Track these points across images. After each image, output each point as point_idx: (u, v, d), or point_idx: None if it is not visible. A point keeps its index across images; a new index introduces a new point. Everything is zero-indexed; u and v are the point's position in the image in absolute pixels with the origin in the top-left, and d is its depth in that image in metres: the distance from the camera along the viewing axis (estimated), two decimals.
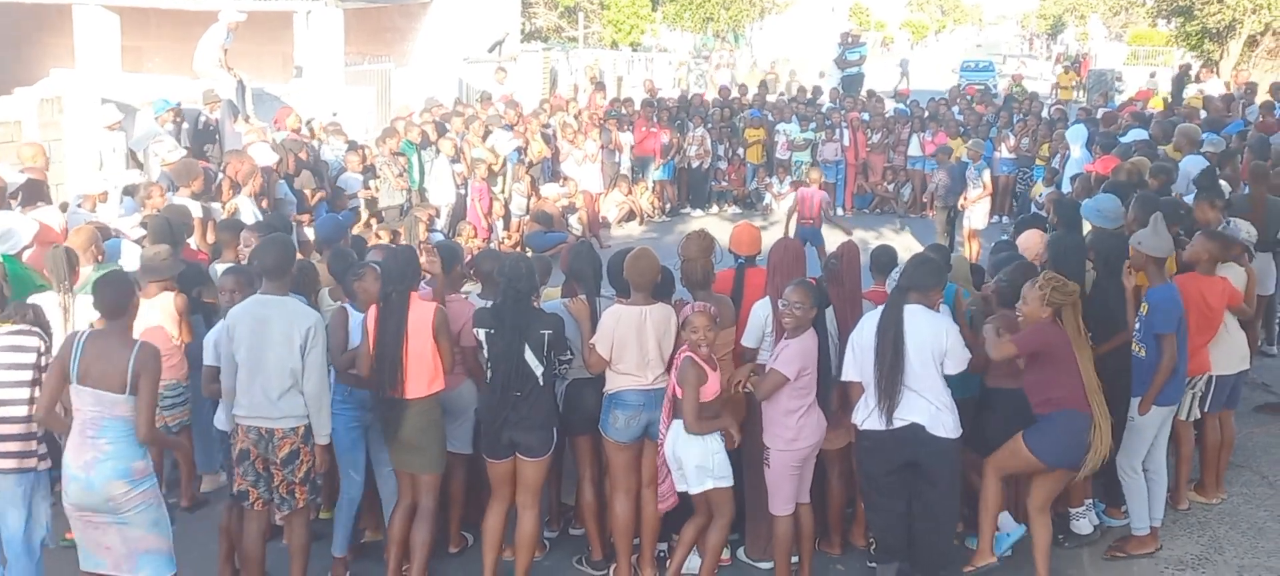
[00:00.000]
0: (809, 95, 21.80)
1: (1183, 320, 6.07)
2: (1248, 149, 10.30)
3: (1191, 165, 9.42)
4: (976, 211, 14.33)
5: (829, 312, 5.92)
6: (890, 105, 21.77)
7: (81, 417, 4.97)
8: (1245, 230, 6.80)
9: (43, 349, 5.39)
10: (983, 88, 26.95)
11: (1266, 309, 8.64)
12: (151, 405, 5.01)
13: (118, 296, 5.09)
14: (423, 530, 5.83)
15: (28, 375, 5.35)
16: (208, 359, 5.76)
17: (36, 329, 5.47)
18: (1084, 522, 6.49)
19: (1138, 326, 6.14)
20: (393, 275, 5.68)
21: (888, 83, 35.80)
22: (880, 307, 5.74)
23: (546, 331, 5.62)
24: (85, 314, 6.02)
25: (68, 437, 5.04)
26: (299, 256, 7.18)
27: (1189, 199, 8.49)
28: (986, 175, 14.76)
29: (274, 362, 5.34)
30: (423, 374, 5.67)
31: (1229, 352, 6.79)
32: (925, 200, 17.41)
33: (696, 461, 5.59)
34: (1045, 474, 5.74)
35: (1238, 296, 6.69)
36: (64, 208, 8.96)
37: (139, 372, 4.89)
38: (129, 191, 9.44)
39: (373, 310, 5.76)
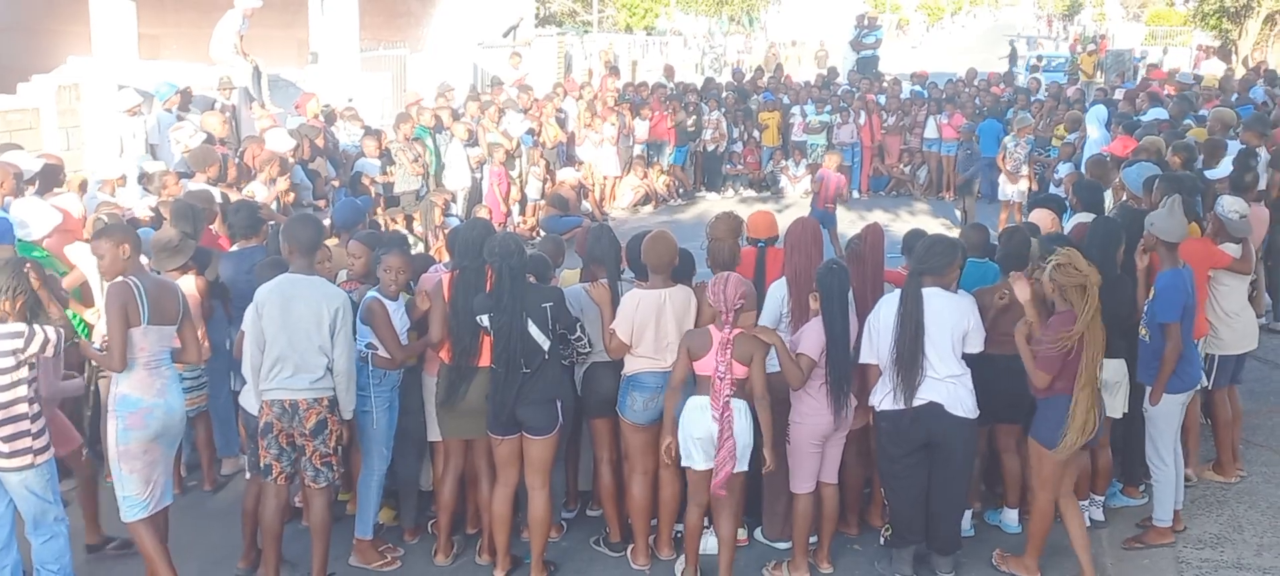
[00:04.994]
0: (825, 77, 21.69)
1: (1191, 308, 5.99)
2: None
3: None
4: (1016, 186, 14.50)
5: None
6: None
7: (144, 356, 5.31)
8: (1228, 207, 6.74)
9: (20, 347, 5.13)
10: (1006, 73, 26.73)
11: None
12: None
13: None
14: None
15: (15, 374, 5.16)
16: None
17: (20, 326, 5.17)
18: (1097, 512, 6.49)
19: (1146, 310, 6.09)
20: (468, 247, 5.81)
21: (899, 65, 35.56)
22: (896, 291, 5.73)
23: (547, 303, 5.64)
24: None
25: (123, 377, 5.29)
26: None
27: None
28: (1021, 151, 14.70)
29: (302, 341, 5.40)
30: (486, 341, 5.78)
31: (1237, 332, 6.79)
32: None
33: (745, 441, 5.55)
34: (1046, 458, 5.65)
35: (1223, 259, 6.67)
36: (83, 187, 8.99)
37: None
38: (144, 180, 9.47)
39: (447, 278, 5.88)
